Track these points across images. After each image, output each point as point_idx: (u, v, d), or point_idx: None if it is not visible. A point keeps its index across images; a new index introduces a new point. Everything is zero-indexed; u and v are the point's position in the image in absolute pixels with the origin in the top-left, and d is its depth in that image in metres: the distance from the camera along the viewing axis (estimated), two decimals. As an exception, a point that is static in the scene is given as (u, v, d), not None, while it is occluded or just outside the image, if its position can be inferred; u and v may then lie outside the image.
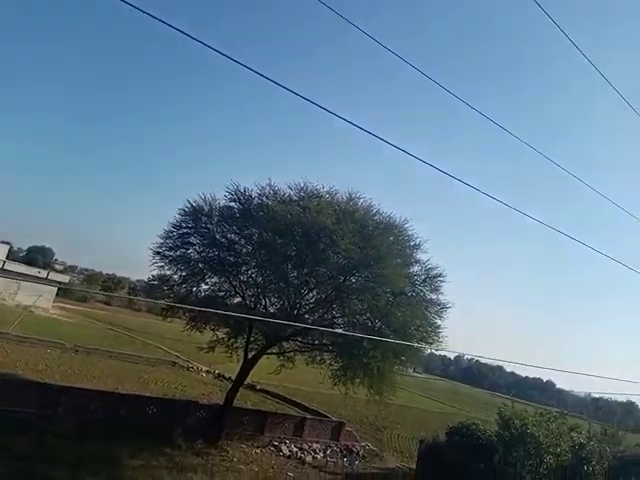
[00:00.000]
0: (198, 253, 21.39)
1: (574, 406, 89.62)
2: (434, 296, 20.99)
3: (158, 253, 20.82)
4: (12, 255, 70.84)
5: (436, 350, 23.73)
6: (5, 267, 51.59)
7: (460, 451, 20.43)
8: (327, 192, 21.24)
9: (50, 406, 17.49)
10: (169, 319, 26.35)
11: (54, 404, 17.64)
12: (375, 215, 21.01)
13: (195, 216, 21.12)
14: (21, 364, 25.78)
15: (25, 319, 39.60)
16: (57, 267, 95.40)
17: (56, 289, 55.83)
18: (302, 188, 21.19)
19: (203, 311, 20.04)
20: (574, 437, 21.40)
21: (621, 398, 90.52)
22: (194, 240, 21.38)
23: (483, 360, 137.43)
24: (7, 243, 67.39)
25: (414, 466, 23.08)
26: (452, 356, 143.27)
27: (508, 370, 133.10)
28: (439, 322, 20.73)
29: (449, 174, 7.08)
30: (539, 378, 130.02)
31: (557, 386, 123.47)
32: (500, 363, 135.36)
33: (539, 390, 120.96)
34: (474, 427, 21.64)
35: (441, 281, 21.01)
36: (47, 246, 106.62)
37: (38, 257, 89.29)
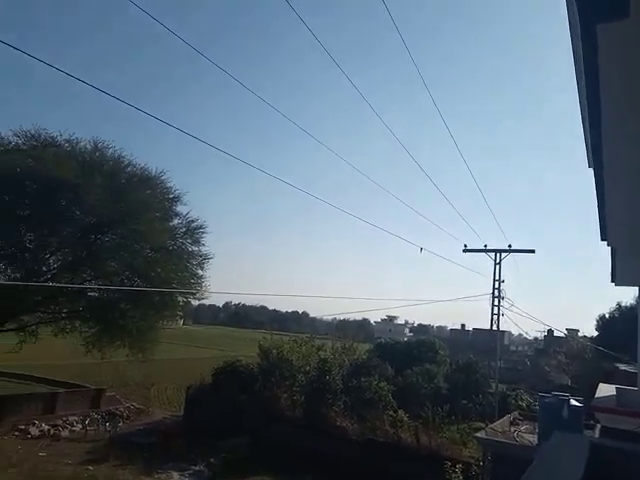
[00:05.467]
0: None
1: (323, 330, 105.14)
2: (196, 248, 21.23)
3: None
4: None
5: (199, 299, 24.11)
6: None
7: (225, 388, 21.99)
8: (66, 141, 18.74)
9: None
10: None
11: None
12: (127, 167, 19.62)
13: None
14: None
15: None
16: None
17: None
18: (33, 136, 18.16)
19: None
20: (321, 355, 25.34)
21: (358, 317, 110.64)
22: None
23: (248, 303, 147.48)
24: None
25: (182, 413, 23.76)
26: (220, 304, 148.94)
27: (271, 308, 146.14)
28: (201, 272, 21.20)
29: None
30: (296, 311, 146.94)
31: (310, 315, 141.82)
32: (262, 303, 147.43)
33: (296, 321, 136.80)
34: (237, 363, 23.48)
35: (202, 232, 21.31)
36: None
37: None
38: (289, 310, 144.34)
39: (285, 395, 21.87)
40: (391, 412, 20.91)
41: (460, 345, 53.30)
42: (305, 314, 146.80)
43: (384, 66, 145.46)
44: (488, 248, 26.29)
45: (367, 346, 44.88)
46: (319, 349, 26.76)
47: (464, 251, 27.18)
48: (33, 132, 18.16)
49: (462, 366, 32.78)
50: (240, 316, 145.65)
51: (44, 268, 18.50)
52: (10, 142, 18.07)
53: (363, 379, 22.83)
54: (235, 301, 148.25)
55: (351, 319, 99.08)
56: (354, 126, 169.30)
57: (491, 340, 28.48)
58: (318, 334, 49.59)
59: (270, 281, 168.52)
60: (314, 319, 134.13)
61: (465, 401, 28.60)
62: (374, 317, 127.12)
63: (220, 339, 79.52)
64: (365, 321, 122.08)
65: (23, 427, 19.38)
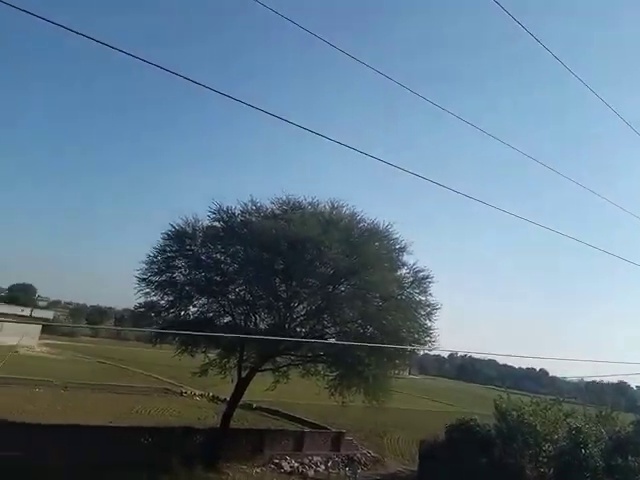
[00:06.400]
0: (184, 276, 21.30)
1: (568, 392, 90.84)
2: (423, 298, 21.32)
3: (143, 279, 20.70)
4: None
5: (429, 350, 23.91)
6: (-15, 308, 50.43)
7: (460, 448, 20.61)
8: (310, 203, 21.57)
9: (40, 447, 16.89)
10: (158, 346, 25.89)
11: (44, 444, 17.08)
12: (360, 222, 21.37)
13: (179, 239, 21.09)
14: (8, 406, 25.08)
15: (10, 360, 38.58)
16: (40, 303, 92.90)
17: (41, 326, 54.66)
18: (285, 201, 21.50)
19: (190, 335, 19.94)
20: (570, 423, 21.74)
21: (613, 379, 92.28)
22: (179, 263, 21.31)
23: (476, 355, 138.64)
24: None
25: (416, 468, 23.14)
26: (446, 355, 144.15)
27: (501, 362, 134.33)
28: (429, 323, 21.03)
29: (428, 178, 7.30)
30: (532, 368, 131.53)
31: (550, 374, 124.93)
32: (492, 356, 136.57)
33: (533, 379, 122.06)
34: (472, 423, 21.87)
35: (429, 282, 21.35)
36: (28, 283, 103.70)
37: (20, 295, 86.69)
38: (523, 366, 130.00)
39: (530, 465, 19.32)
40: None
41: None
42: (543, 372, 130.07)
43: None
44: None
45: (631, 416, 36.74)
46: (567, 415, 23.08)
47: None
48: (284, 199, 21.54)
49: None
50: (466, 369, 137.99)
51: (294, 315, 21.05)
52: (267, 209, 21.70)
53: (631, 458, 18.61)
54: (461, 353, 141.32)
55: (604, 381, 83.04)
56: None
57: None
58: (561, 396, 42.91)
59: (498, 333, 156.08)
60: (554, 378, 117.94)
61: None
62: (635, 381, 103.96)
63: (446, 392, 76.31)
64: (623, 384, 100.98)
65: (277, 461, 21.65)
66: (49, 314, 63.93)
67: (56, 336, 68.18)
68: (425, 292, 21.21)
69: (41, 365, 41.42)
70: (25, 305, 61.96)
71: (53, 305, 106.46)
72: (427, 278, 21.22)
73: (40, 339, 55.88)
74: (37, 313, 58.15)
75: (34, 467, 15.67)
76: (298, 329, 21.50)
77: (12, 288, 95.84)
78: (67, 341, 67.79)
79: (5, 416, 22.84)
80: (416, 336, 20.50)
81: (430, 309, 21.17)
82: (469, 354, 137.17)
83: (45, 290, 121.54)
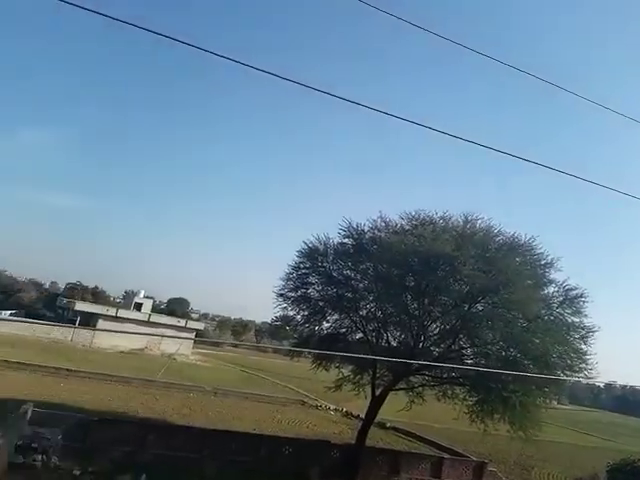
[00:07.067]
0: (317, 292, 21.91)
1: None
2: (576, 319, 18.96)
3: (281, 295, 21.80)
4: (155, 308, 79.27)
5: (586, 379, 21.00)
6: (151, 319, 57.91)
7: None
8: (441, 218, 20.76)
9: (196, 449, 18.61)
10: (296, 359, 26.83)
11: (199, 447, 18.77)
12: (497, 236, 19.92)
13: (312, 256, 21.81)
14: (168, 409, 28.20)
15: (170, 366, 43.67)
16: (193, 316, 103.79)
17: (194, 335, 60.86)
18: (414, 216, 20.97)
19: (324, 353, 20.31)
20: None
21: None
22: (313, 279, 21.99)
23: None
24: (151, 298, 75.54)
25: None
26: (601, 383, 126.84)
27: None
28: (585, 348, 18.63)
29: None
30: None
31: None
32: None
33: None
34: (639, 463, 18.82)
35: (583, 302, 18.97)
36: (183, 297, 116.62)
37: (176, 308, 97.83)
38: None
39: None
40: None
41: None
42: None
43: None
44: None
45: None
46: None
47: None
48: (414, 214, 21.04)
49: None
50: (628, 401, 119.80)
51: (428, 334, 20.25)
52: (397, 224, 21.38)
53: None
54: (621, 382, 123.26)
55: None
56: None
57: None
58: None
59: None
60: None
61: None
62: None
63: (602, 426, 66.99)
64: None
65: (416, 485, 20.86)
66: (200, 325, 70.90)
67: (205, 346, 75.52)
68: (579, 313, 18.88)
69: (194, 372, 46.00)
70: (181, 317, 69.70)
71: (203, 317, 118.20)
72: (580, 297, 18.88)
73: (193, 348, 62.28)
74: (190, 324, 64.82)
75: (188, 469, 17.29)
76: (432, 348, 20.62)
77: (170, 301, 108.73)
78: (214, 350, 74.62)
79: (165, 418, 25.82)
80: (569, 362, 18.25)
81: (585, 332, 18.77)
82: (629, 385, 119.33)
83: (197, 304, 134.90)
